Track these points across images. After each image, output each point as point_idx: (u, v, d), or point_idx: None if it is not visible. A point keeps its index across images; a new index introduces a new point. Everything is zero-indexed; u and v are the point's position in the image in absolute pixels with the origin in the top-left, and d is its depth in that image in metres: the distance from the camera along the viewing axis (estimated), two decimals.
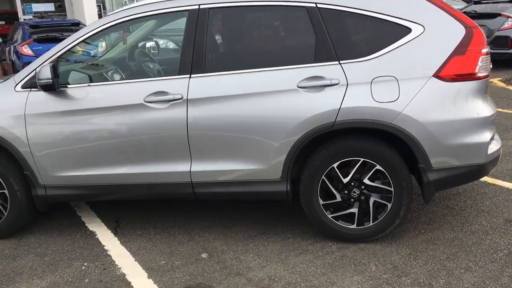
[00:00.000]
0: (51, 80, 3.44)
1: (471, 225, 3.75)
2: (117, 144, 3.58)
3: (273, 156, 3.45)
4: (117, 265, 3.46)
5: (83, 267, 3.45)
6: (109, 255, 3.60)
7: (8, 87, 3.73)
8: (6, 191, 3.79)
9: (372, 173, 3.40)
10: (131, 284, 3.21)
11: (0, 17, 20.31)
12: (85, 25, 12.29)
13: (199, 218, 4.12)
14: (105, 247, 3.72)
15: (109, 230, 3.99)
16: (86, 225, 4.12)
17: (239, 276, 3.23)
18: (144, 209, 4.34)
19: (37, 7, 16.71)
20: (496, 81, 9.41)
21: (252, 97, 3.42)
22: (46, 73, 3.44)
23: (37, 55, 10.63)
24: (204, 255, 3.53)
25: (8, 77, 4.02)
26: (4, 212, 3.85)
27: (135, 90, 3.57)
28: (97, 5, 16.64)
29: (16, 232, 3.97)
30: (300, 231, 3.80)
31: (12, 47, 11.39)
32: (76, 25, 11.88)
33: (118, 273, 3.35)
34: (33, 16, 16.38)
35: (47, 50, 11.15)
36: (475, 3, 12.22)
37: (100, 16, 16.99)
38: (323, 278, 3.15)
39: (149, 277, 3.29)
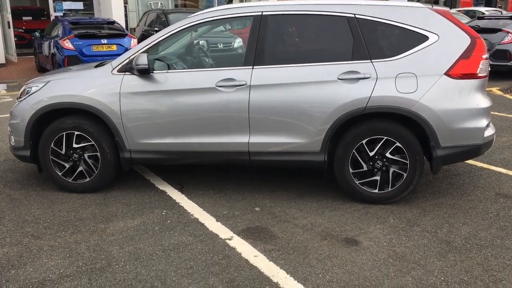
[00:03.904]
0: (147, 66, 4.41)
1: (468, 196, 4.71)
2: (192, 119, 4.54)
3: (315, 132, 4.40)
4: (189, 212, 4.41)
5: (163, 213, 4.40)
6: (182, 206, 4.55)
7: (107, 71, 4.70)
8: (98, 154, 4.75)
9: (393, 148, 4.35)
10: (204, 224, 4.16)
11: (28, 13, 21.33)
12: (118, 23, 13.27)
13: (248, 184, 5.07)
14: (176, 201, 4.67)
15: (176, 190, 4.94)
16: (156, 186, 5.07)
17: (288, 223, 4.18)
18: (201, 176, 5.30)
19: (67, 5, 17.69)
20: (495, 90, 10.42)
21: (301, 86, 4.37)
22: (143, 60, 4.41)
23: (77, 49, 11.65)
24: (257, 209, 4.48)
25: (104, 63, 4.99)
26: (96, 170, 4.81)
27: (209, 76, 4.53)
28: (124, 5, 17.59)
29: (103, 187, 4.92)
30: (331, 195, 4.75)
31: (52, 41, 12.36)
32: (111, 23, 12.87)
33: (192, 217, 4.30)
34: (64, 13, 17.37)
35: (87, 45, 12.14)
36: (479, 18, 13.25)
37: (126, 16, 17.99)
38: (353, 225, 4.10)
39: (217, 220, 4.24)
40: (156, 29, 13.87)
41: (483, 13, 18.31)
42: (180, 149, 4.65)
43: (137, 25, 17.02)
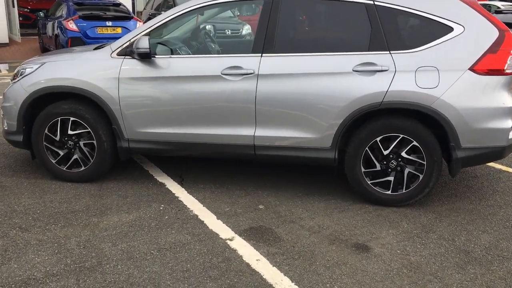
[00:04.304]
0: (148, 49, 4.11)
1: (487, 200, 4.40)
2: (195, 108, 4.24)
3: (326, 127, 4.10)
4: (188, 208, 4.13)
5: (161, 208, 4.12)
6: (181, 201, 4.27)
7: (105, 54, 4.40)
8: (94, 141, 4.46)
9: (409, 148, 4.04)
10: (204, 222, 3.88)
11: None
12: (124, 6, 12.95)
13: (252, 179, 4.78)
14: (175, 195, 4.39)
15: (176, 183, 4.66)
16: (155, 177, 4.79)
17: (293, 223, 3.89)
18: (202, 168, 5.02)
19: None
20: None
21: (312, 76, 4.06)
22: (144, 43, 4.10)
23: (81, 31, 11.35)
24: (261, 207, 4.19)
25: (104, 45, 4.68)
26: (91, 159, 4.53)
27: (214, 63, 4.22)
28: None
29: (98, 177, 4.64)
30: (340, 194, 4.46)
31: (56, 22, 12.07)
32: (117, 6, 12.55)
33: (191, 214, 4.02)
34: None
35: (91, 27, 11.85)
36: (497, 12, 12.83)
37: None
38: (363, 229, 3.81)
39: (218, 218, 3.95)
40: (164, 12, 13.51)
41: (499, 8, 17.83)
42: (180, 140, 4.37)
43: (144, 8, 16.67)
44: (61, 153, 4.56)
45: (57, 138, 4.52)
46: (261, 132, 4.22)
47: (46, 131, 4.51)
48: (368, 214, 4.08)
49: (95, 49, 4.76)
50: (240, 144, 4.29)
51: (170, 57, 4.33)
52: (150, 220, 3.90)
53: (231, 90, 4.17)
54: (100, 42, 11.63)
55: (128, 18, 11.94)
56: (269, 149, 4.27)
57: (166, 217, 3.96)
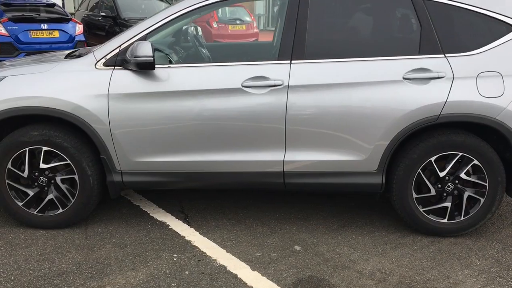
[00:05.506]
0: (152, 58, 3.19)
1: None
2: (209, 129, 3.39)
3: (372, 147, 3.39)
4: (210, 256, 3.27)
5: (175, 259, 3.23)
6: (196, 246, 3.39)
7: (88, 64, 3.42)
8: (76, 176, 3.48)
9: (469, 167, 3.42)
10: (238, 276, 3.05)
11: None
12: (60, 6, 11.65)
13: (269, 210, 3.99)
14: (186, 238, 3.51)
15: (180, 221, 3.77)
16: (150, 215, 3.87)
17: (348, 269, 3.14)
18: (203, 198, 4.15)
19: None
20: None
21: (355, 87, 3.34)
22: (146, 50, 3.18)
23: (12, 35, 9.98)
24: (297, 248, 3.41)
25: (80, 53, 3.68)
26: (71, 199, 3.54)
27: (232, 73, 3.39)
28: None
29: (77, 222, 3.65)
30: (380, 224, 3.77)
31: None
32: (51, 6, 11.19)
33: (216, 265, 3.17)
34: None
35: (23, 31, 10.43)
36: None
37: None
38: (434, 271, 3.13)
39: (252, 269, 3.13)
40: (103, 14, 12.28)
41: None
42: (190, 169, 3.49)
43: (77, 9, 15.23)
44: (31, 192, 3.54)
45: (25, 174, 3.50)
46: (292, 156, 3.44)
47: (9, 165, 3.47)
48: (426, 249, 3.41)
49: (68, 57, 3.77)
50: (266, 171, 3.49)
51: (176, 66, 3.44)
52: (168, 278, 3.00)
53: (255, 106, 3.36)
54: (35, 47, 10.35)
55: (65, 20, 10.64)
56: (301, 177, 3.50)
57: (187, 272, 3.08)
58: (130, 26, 11.65)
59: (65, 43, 10.44)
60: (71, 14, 15.72)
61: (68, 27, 10.56)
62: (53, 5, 11.28)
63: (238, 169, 3.49)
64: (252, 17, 14.44)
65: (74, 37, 10.58)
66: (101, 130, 3.38)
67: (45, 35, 10.29)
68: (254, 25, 14.46)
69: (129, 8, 12.44)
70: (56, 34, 10.39)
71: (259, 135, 3.41)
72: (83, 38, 10.80)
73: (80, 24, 10.98)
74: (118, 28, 11.82)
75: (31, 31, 10.15)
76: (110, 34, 12.31)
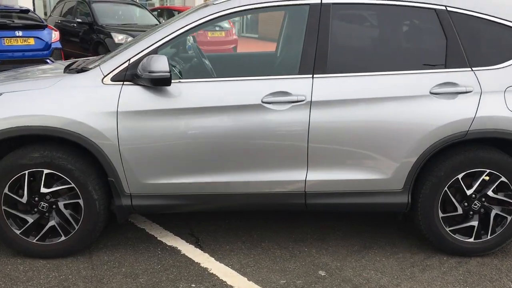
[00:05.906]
0: (168, 74, 2.95)
1: None
2: (227, 148, 3.16)
3: (397, 165, 3.23)
4: (231, 285, 3.03)
5: None
6: (214, 274, 3.15)
7: (94, 79, 3.15)
8: (81, 201, 3.20)
9: (496, 185, 3.30)
10: None
11: None
12: (34, 13, 11.19)
13: (282, 229, 3.78)
14: (201, 265, 3.27)
15: (191, 245, 3.52)
16: (159, 239, 3.60)
17: None
18: (210, 219, 3.91)
19: None
20: None
21: (381, 102, 3.17)
22: (161, 65, 2.93)
23: None
24: (322, 273, 3.21)
25: (83, 67, 3.39)
26: (75, 225, 3.25)
27: (251, 89, 3.17)
28: None
29: (81, 250, 3.36)
30: (401, 244, 3.61)
31: None
32: (25, 12, 10.68)
33: None
34: None
35: None
36: None
37: (33, 4, 15.65)
38: None
39: None
40: (79, 20, 11.87)
41: None
42: (205, 191, 3.25)
43: (50, 15, 14.69)
44: (30, 219, 3.23)
45: (24, 199, 3.19)
46: (314, 175, 3.24)
47: (6, 190, 3.17)
48: (455, 271, 3.26)
49: (67, 70, 3.48)
50: (286, 192, 3.28)
51: (191, 81, 3.20)
52: None
53: (276, 123, 3.15)
54: (8, 55, 9.87)
55: (41, 26, 10.17)
56: (323, 197, 3.31)
57: None
58: (108, 32, 11.30)
59: (41, 51, 10.00)
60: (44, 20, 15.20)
61: (44, 34, 10.10)
62: (27, 11, 10.79)
63: (257, 190, 3.27)
64: (231, 24, 14.21)
65: (50, 44, 10.14)
66: (109, 150, 3.11)
67: (19, 42, 9.81)
68: (233, 32, 14.24)
69: (106, 14, 12.06)
70: (31, 41, 9.92)
71: (279, 153, 3.20)
72: (59, 46, 10.37)
73: (56, 31, 10.55)
74: (95, 35, 11.44)
75: (5, 39, 9.66)
76: (84, 41, 11.91)
